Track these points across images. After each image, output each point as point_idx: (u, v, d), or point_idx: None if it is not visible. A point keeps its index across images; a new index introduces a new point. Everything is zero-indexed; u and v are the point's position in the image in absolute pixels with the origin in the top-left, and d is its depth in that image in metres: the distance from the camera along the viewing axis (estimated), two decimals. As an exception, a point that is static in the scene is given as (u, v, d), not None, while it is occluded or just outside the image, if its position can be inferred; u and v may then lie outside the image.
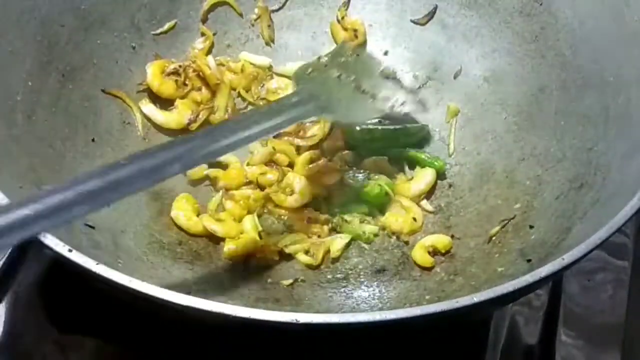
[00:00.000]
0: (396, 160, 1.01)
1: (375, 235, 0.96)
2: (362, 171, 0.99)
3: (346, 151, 1.01)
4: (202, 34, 1.08)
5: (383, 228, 0.96)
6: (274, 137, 1.01)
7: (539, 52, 0.99)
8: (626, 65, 0.87)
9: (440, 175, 1.00)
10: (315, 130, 1.02)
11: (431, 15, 1.08)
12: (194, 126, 1.01)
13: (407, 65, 1.09)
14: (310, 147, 1.01)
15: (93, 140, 0.93)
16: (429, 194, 0.99)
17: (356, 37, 1.10)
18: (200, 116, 1.02)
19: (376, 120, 0.99)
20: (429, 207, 0.98)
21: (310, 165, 0.99)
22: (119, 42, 1.01)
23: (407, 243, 0.95)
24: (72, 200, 0.62)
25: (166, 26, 1.05)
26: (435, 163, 1.00)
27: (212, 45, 1.08)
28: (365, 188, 0.97)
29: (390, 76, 1.00)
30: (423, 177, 0.99)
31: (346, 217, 0.96)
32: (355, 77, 0.95)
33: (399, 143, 1.02)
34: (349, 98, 0.94)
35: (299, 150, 1.01)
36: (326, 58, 0.97)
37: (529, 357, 0.93)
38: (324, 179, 0.99)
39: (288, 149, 1.00)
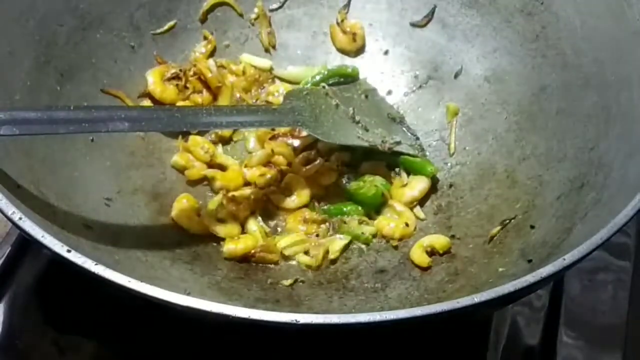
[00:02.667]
0: (393, 165, 1.01)
1: (374, 236, 0.95)
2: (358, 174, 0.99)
3: (342, 151, 1.01)
4: (205, 38, 1.08)
5: (375, 234, 0.96)
6: (270, 139, 1.01)
7: (540, 52, 0.99)
8: (628, 64, 0.86)
9: (440, 175, 1.00)
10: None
11: (430, 16, 1.08)
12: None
13: (408, 65, 1.09)
14: (306, 147, 1.01)
15: (92, 140, 0.93)
16: (425, 198, 0.99)
17: (354, 40, 1.10)
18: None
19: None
20: (421, 215, 0.98)
21: (308, 167, 0.99)
22: (118, 42, 1.01)
23: (396, 248, 0.94)
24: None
25: (166, 26, 1.06)
26: (428, 169, 0.98)
27: (214, 50, 1.08)
28: (361, 189, 0.97)
29: (397, 119, 1.02)
30: (417, 184, 0.98)
31: (345, 218, 0.96)
32: (354, 110, 0.97)
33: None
34: (339, 122, 0.96)
35: (296, 151, 1.01)
36: (328, 87, 1.00)
37: (530, 357, 0.93)
38: (321, 180, 0.99)
39: (286, 150, 1.00)
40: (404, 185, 0.99)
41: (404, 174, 1.00)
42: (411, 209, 0.97)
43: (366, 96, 1.05)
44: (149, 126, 0.83)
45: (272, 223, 0.97)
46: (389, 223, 0.95)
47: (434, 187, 0.99)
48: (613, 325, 0.93)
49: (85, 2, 0.97)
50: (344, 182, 0.99)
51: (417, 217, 0.97)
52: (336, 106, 0.99)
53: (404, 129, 1.04)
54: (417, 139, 1.03)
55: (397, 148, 0.99)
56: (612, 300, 0.95)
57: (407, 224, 0.95)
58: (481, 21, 1.05)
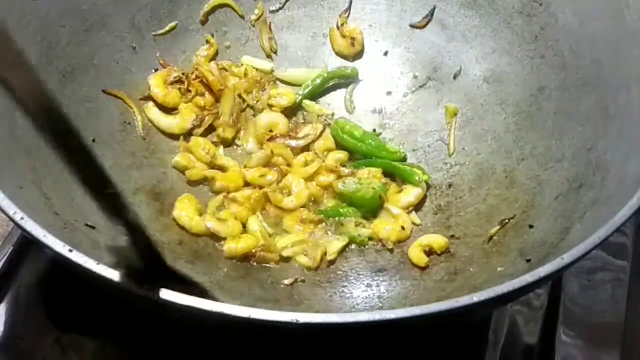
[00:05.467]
0: (390, 172, 1.01)
1: (370, 238, 0.96)
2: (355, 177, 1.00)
3: (340, 153, 1.01)
4: (207, 41, 1.08)
5: (371, 237, 0.96)
6: (269, 140, 1.02)
7: (539, 52, 0.99)
8: (625, 65, 0.87)
9: (439, 176, 1.01)
10: (308, 130, 1.03)
11: (429, 17, 1.09)
12: (198, 132, 1.02)
13: (407, 66, 1.10)
14: (304, 148, 1.02)
15: (94, 140, 0.93)
16: (424, 198, 0.99)
17: (353, 45, 1.10)
18: (205, 121, 1.02)
19: None
20: (417, 220, 0.98)
21: (307, 167, 0.99)
22: (120, 43, 1.01)
23: (391, 251, 0.95)
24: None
25: (167, 27, 1.06)
26: (416, 178, 0.98)
27: (216, 53, 1.09)
28: (359, 192, 0.97)
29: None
30: (413, 190, 0.99)
31: (342, 219, 0.96)
32: None
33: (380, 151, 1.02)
34: None
35: (294, 152, 1.02)
36: None
37: (529, 356, 0.93)
38: (319, 180, 0.99)
39: (285, 151, 1.01)
40: (400, 191, 0.99)
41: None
42: (407, 213, 0.98)
43: None
44: None
45: (271, 223, 0.97)
46: (385, 226, 0.96)
47: (433, 187, 1.00)
48: (611, 324, 0.94)
49: (87, 4, 0.97)
50: (341, 184, 0.99)
51: (413, 223, 0.97)
52: None
53: None
54: None
55: None
56: (611, 299, 0.96)
57: (403, 228, 0.95)
58: (480, 22, 1.05)
